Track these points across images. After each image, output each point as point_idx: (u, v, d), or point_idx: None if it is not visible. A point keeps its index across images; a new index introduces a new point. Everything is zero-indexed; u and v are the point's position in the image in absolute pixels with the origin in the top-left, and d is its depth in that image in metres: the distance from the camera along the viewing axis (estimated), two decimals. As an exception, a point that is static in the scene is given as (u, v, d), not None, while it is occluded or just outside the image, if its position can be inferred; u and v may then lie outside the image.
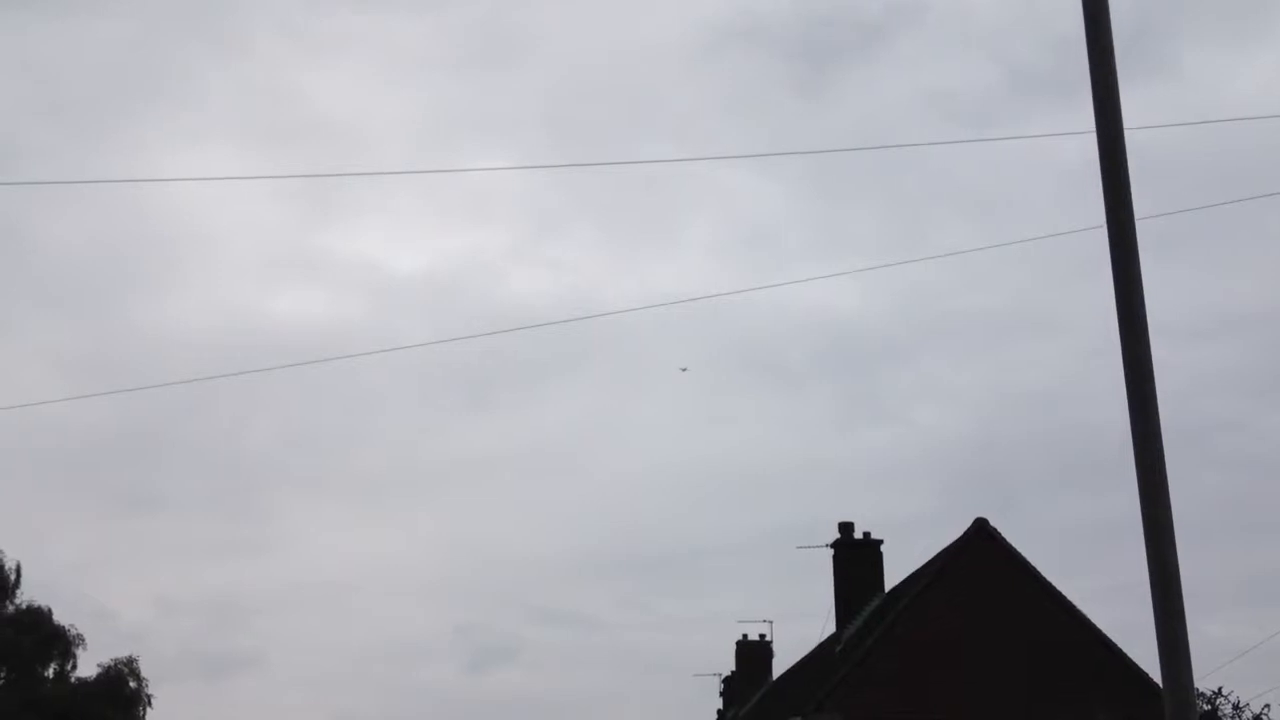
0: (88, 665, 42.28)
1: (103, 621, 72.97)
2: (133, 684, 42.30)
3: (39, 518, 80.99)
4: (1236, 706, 16.88)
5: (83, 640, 41.77)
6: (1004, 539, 25.78)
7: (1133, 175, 7.81)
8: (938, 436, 77.34)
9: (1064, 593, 25.57)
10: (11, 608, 40.24)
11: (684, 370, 79.23)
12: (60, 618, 42.01)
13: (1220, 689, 15.51)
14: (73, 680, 41.63)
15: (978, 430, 79.61)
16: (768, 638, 41.14)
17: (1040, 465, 77.13)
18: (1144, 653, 24.63)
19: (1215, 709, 15.11)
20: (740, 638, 41.76)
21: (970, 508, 28.30)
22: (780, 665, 39.81)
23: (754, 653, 41.27)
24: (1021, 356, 78.07)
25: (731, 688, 43.06)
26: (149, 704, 42.56)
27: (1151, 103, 65.42)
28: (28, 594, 41.22)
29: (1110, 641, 25.17)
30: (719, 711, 45.23)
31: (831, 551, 29.80)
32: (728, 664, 43.45)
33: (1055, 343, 79.35)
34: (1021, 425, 78.83)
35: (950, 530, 26.46)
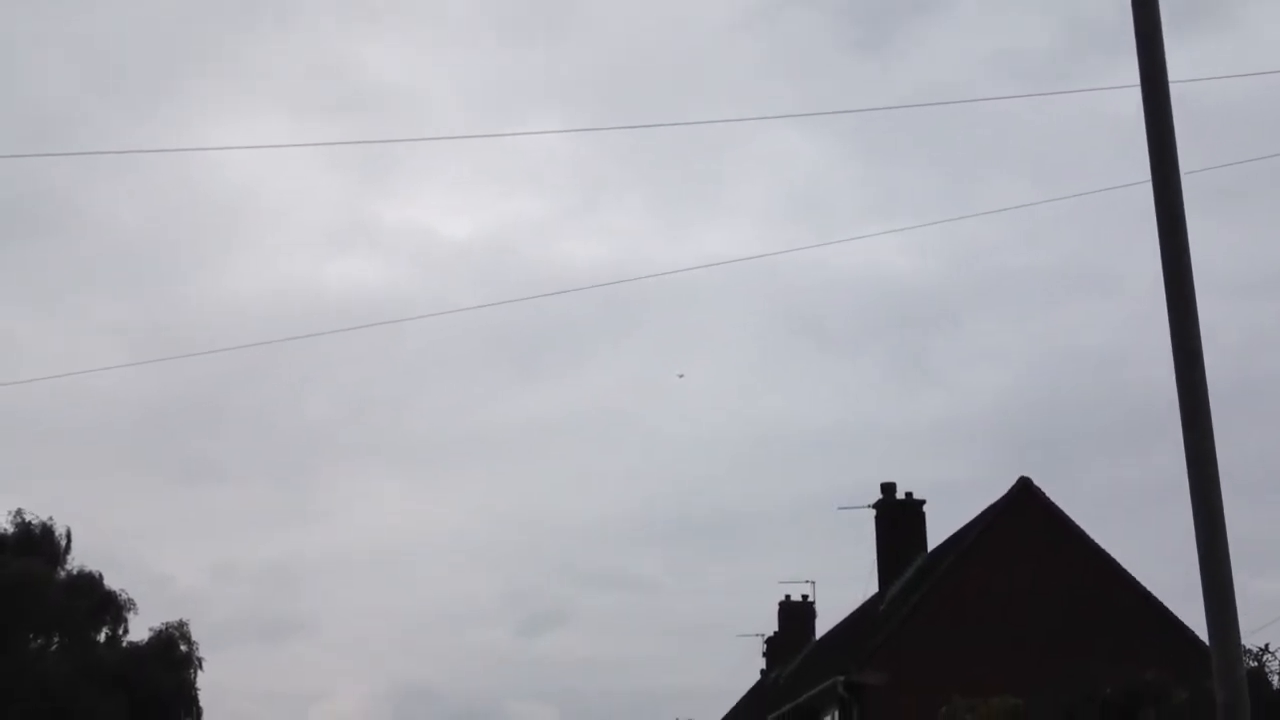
0: (139, 629, 42.93)
1: (160, 587, 73.96)
2: (184, 647, 42.89)
3: (97, 485, 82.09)
4: (1285, 663, 16.71)
5: (134, 605, 42.39)
6: (1048, 498, 25.68)
7: (1188, 128, 7.70)
8: (988, 398, 76.82)
9: (1114, 553, 25.48)
10: (63, 573, 40.84)
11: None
12: (118, 583, 42.67)
13: (1267, 645, 15.38)
14: (124, 644, 42.25)
15: (1029, 391, 78.95)
16: (810, 598, 41.24)
17: (1092, 426, 76.45)
18: (1193, 614, 24.53)
19: (1262, 665, 15.01)
20: (783, 599, 41.86)
21: (1021, 470, 28.19)
22: (823, 626, 39.92)
23: (797, 613, 41.35)
24: (1074, 316, 77.17)
25: (774, 648, 43.19)
26: (200, 667, 43.19)
27: (1211, 55, 64.26)
28: (79, 559, 41.87)
29: (1157, 600, 25.07)
30: (762, 671, 45.40)
31: (874, 512, 29.82)
32: (771, 625, 43.58)
33: (1109, 301, 78.39)
34: (1073, 386, 78.13)
35: (999, 492, 26.40)
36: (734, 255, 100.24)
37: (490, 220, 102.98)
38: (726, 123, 60.59)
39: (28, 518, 40.79)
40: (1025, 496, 25.68)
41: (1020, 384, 79.92)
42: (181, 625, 43.18)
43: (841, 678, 24.20)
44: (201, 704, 43.33)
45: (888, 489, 29.54)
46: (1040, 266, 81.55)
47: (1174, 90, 7.83)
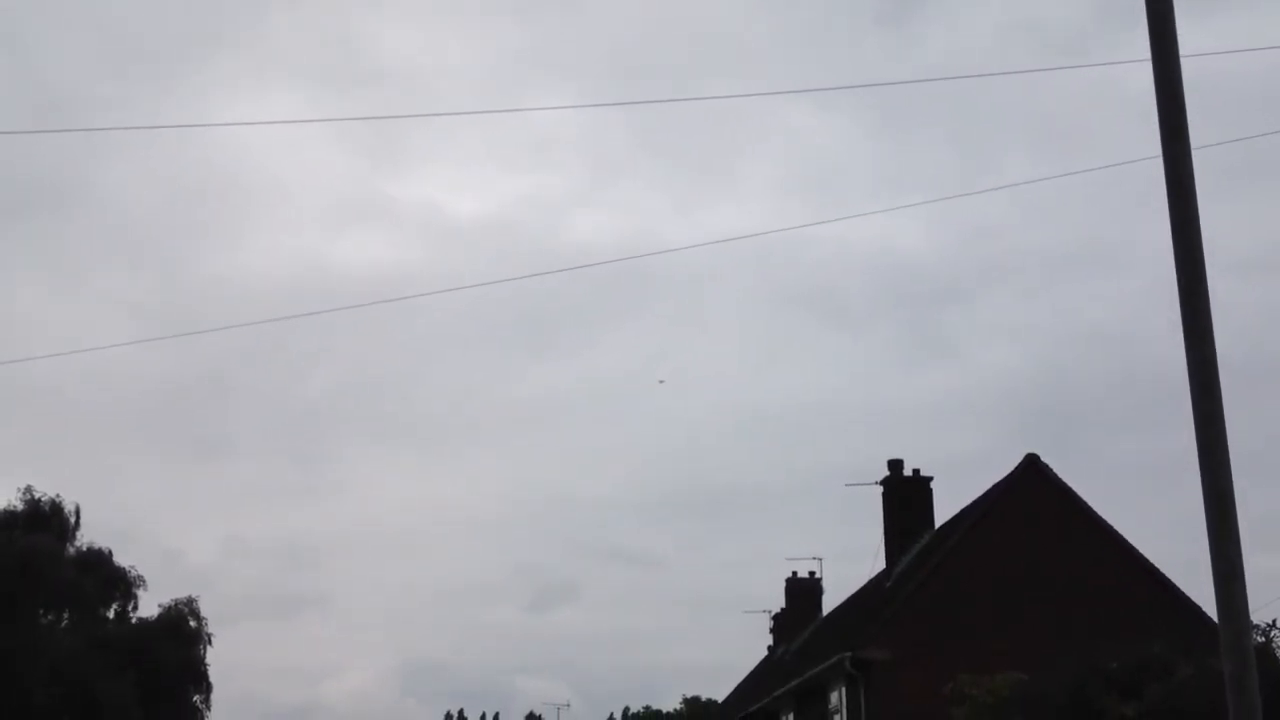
0: (149, 605, 43.12)
1: (172, 564, 74.55)
2: (193, 623, 43.07)
3: (110, 462, 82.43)
4: (1292, 639, 16.72)
5: (143, 581, 42.57)
6: (1055, 474, 25.68)
7: (1205, 103, 7.67)
8: (997, 375, 76.86)
9: (1122, 529, 25.49)
10: (73, 549, 40.96)
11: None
12: (130, 560, 42.84)
13: (1275, 621, 15.42)
14: (134, 620, 42.43)
15: (1037, 368, 78.95)
16: (817, 575, 41.30)
17: (1100, 403, 76.45)
18: (1199, 590, 24.61)
19: (1270, 640, 15.06)
20: (790, 575, 41.93)
21: (1028, 446, 28.21)
22: (830, 602, 40.01)
23: (804, 590, 41.42)
24: (1085, 292, 77.08)
25: (782, 624, 43.29)
26: (209, 642, 43.39)
27: (1229, 31, 63.90)
28: (88, 536, 42.00)
29: (1164, 576, 25.10)
30: (769, 648, 45.52)
31: (881, 489, 29.82)
32: (779, 601, 43.68)
33: (1121, 278, 78.23)
34: (1082, 362, 78.14)
35: (1007, 469, 26.40)
36: (745, 231, 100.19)
37: (500, 197, 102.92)
38: (739, 98, 60.32)
39: (37, 494, 40.91)
40: (1032, 473, 25.70)
41: (1029, 360, 79.91)
42: (191, 601, 43.39)
43: (848, 654, 24.27)
44: (211, 679, 43.59)
45: (895, 466, 29.56)
46: (1051, 242, 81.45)
47: (1189, 66, 7.80)
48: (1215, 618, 6.93)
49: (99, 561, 41.33)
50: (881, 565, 30.61)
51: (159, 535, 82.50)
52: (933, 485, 29.74)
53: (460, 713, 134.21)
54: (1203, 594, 23.58)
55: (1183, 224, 7.39)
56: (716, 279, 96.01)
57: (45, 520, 40.35)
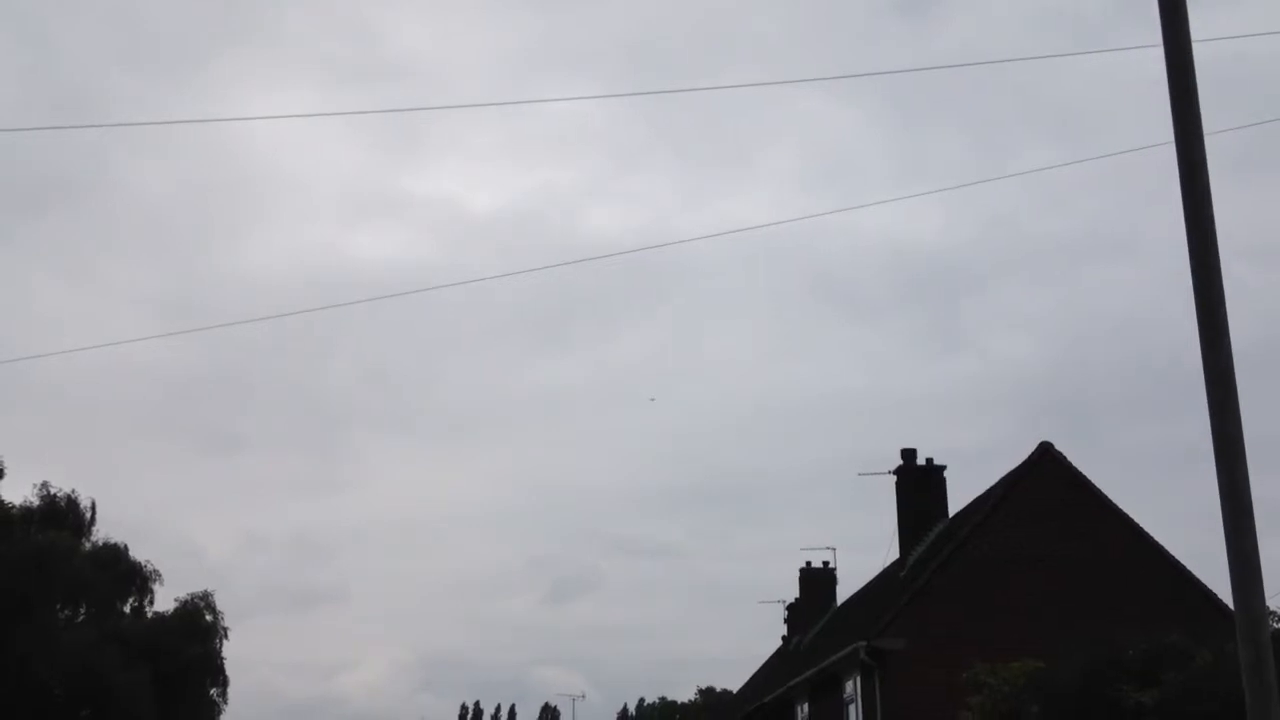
0: (165, 600, 43.31)
1: (190, 558, 74.86)
2: (209, 617, 43.26)
3: (126, 457, 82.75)
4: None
5: (159, 576, 42.78)
6: (1069, 463, 25.61)
7: (1222, 88, 7.61)
8: (1012, 364, 76.69)
9: (1137, 517, 25.41)
10: (89, 544, 41.13)
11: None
12: (147, 555, 43.06)
13: (1291, 608, 15.33)
14: (150, 615, 42.63)
15: (1053, 357, 78.76)
16: (831, 565, 41.27)
17: (1115, 390, 76.30)
18: (1215, 577, 24.53)
19: (1287, 628, 14.96)
20: (804, 565, 41.93)
21: (1044, 435, 28.14)
22: (844, 593, 39.99)
23: (818, 580, 41.39)
24: (1099, 280, 76.89)
25: (796, 615, 43.28)
26: (225, 637, 43.58)
27: (1241, 18, 63.54)
28: (104, 531, 42.19)
29: (1179, 564, 25.02)
30: (784, 638, 45.52)
31: (895, 478, 29.79)
32: (793, 591, 43.68)
33: (1137, 266, 78.01)
34: (1098, 351, 77.97)
35: (1021, 457, 26.33)
36: (761, 221, 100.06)
37: (515, 190, 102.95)
38: (754, 88, 60.08)
39: (53, 490, 41.10)
40: (1046, 461, 25.63)
41: (1043, 349, 79.70)
42: (206, 596, 43.59)
43: (863, 643, 24.25)
44: (227, 673, 43.81)
45: (908, 455, 29.51)
46: (1066, 231, 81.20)
47: (1204, 51, 7.73)
48: (1231, 605, 6.89)
49: (115, 557, 41.52)
50: (895, 555, 30.61)
51: (175, 530, 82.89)
52: (946, 474, 29.74)
53: (476, 704, 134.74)
54: (1218, 581, 23.53)
55: (1195, 211, 7.33)
56: (731, 270, 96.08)
57: (61, 516, 40.54)
